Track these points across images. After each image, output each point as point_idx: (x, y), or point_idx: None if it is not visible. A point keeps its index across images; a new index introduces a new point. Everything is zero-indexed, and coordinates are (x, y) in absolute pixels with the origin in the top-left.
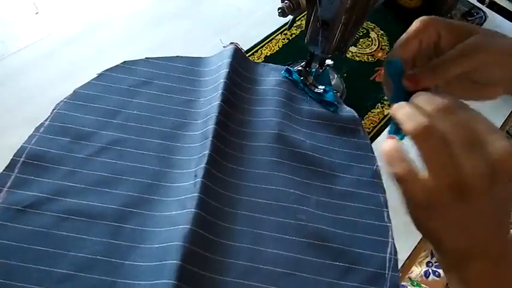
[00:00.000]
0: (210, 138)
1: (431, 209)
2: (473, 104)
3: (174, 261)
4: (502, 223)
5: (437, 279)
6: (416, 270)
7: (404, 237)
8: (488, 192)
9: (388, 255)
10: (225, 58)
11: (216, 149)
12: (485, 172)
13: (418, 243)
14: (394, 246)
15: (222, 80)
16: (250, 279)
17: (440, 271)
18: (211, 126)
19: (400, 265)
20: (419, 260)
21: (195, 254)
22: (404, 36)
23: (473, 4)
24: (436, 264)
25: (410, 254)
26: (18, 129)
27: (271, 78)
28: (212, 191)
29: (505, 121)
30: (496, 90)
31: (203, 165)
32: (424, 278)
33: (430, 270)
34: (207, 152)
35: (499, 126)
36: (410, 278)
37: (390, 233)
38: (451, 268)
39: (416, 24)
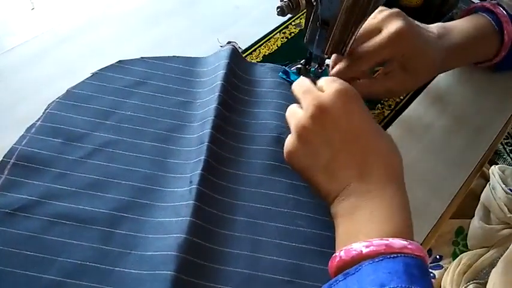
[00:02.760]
0: (206, 143)
1: (300, 143)
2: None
3: (169, 272)
4: (350, 161)
5: (432, 280)
6: None
7: None
8: (319, 130)
9: None
10: (222, 59)
11: (213, 154)
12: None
13: (422, 242)
14: None
15: (219, 82)
16: (249, 287)
17: (436, 272)
18: (207, 130)
19: None
20: None
21: (191, 264)
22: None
23: (474, 3)
24: (431, 265)
25: None
26: (11, 130)
27: (270, 79)
28: (208, 198)
29: (506, 122)
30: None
31: (199, 171)
32: None
33: None
34: (203, 157)
35: (501, 127)
36: None
37: None
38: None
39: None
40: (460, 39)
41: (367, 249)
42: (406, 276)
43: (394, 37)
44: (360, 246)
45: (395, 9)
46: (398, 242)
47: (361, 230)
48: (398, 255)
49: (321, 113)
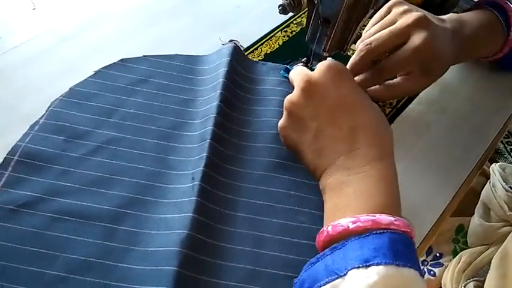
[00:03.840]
0: (208, 140)
1: (291, 118)
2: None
3: (171, 268)
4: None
5: (432, 278)
6: None
7: None
8: (307, 103)
9: None
10: (223, 57)
11: (214, 151)
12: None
13: (420, 243)
14: None
15: (220, 80)
16: (252, 282)
17: (436, 270)
18: (209, 127)
19: None
20: None
21: (194, 260)
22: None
23: (475, 1)
24: (432, 262)
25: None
26: (15, 128)
27: (272, 77)
28: (211, 194)
29: (507, 121)
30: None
31: (201, 168)
32: None
33: (426, 269)
34: (204, 154)
35: (500, 126)
36: None
37: None
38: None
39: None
40: (470, 34)
41: (354, 225)
42: (391, 252)
43: (421, 49)
44: (346, 222)
45: (421, 14)
46: (385, 218)
47: (349, 205)
48: (385, 231)
49: (309, 86)
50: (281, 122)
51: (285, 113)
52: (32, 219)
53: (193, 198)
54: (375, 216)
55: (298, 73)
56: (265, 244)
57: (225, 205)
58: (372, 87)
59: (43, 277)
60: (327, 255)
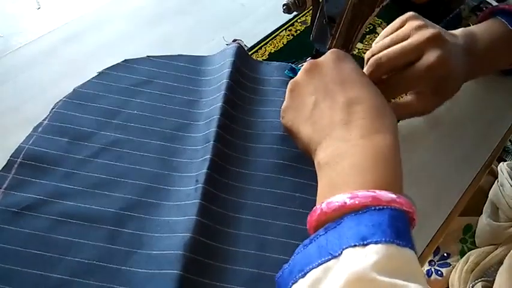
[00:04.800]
0: (212, 142)
1: (291, 98)
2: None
3: (175, 271)
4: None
5: (440, 278)
6: None
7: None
8: (308, 80)
9: None
10: (227, 57)
11: (218, 153)
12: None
13: (428, 244)
14: None
15: (224, 80)
16: (256, 286)
17: (443, 270)
18: (213, 129)
19: None
20: None
21: (198, 263)
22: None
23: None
24: (439, 263)
25: (419, 256)
26: (18, 129)
27: (276, 78)
28: (215, 197)
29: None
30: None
31: (205, 170)
32: (426, 277)
33: (433, 269)
34: (208, 156)
35: (509, 124)
36: None
37: None
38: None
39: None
40: (482, 49)
41: (351, 201)
42: (391, 230)
43: (435, 67)
44: (343, 198)
45: (436, 31)
46: (386, 195)
47: (345, 181)
48: (385, 207)
49: (312, 66)
50: (283, 104)
51: (287, 94)
52: (35, 222)
53: (197, 201)
54: (374, 192)
55: (307, 63)
56: (269, 247)
57: (229, 207)
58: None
59: (47, 280)
60: (320, 235)
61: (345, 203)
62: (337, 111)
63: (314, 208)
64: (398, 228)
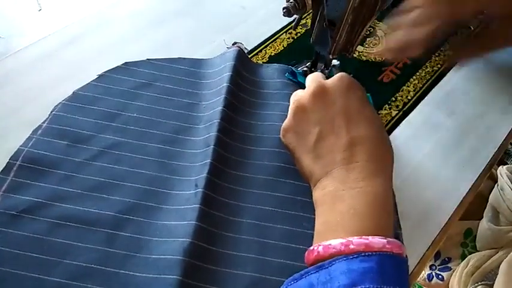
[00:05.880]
0: (212, 146)
1: (295, 120)
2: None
3: (174, 277)
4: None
5: (441, 282)
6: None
7: (414, 243)
8: (314, 107)
9: None
10: (228, 61)
11: (218, 157)
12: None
13: (427, 249)
14: (399, 221)
15: (225, 84)
16: None
17: (444, 274)
18: (213, 133)
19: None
20: None
21: (197, 268)
22: None
23: None
24: (440, 267)
25: (420, 260)
26: (17, 131)
27: (276, 80)
28: (214, 201)
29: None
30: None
31: (204, 174)
32: (427, 281)
33: (434, 274)
34: (208, 160)
35: (510, 127)
36: None
37: (401, 239)
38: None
39: None
40: None
41: (345, 248)
42: (379, 276)
43: None
44: (338, 244)
45: None
46: (378, 241)
47: (341, 224)
48: (374, 253)
49: (320, 91)
50: (285, 122)
51: (290, 113)
52: (33, 225)
53: (197, 205)
54: (367, 239)
55: (314, 78)
56: (270, 251)
57: (229, 211)
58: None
59: (44, 283)
60: (312, 273)
61: (340, 249)
62: (339, 150)
63: (311, 248)
64: (385, 272)
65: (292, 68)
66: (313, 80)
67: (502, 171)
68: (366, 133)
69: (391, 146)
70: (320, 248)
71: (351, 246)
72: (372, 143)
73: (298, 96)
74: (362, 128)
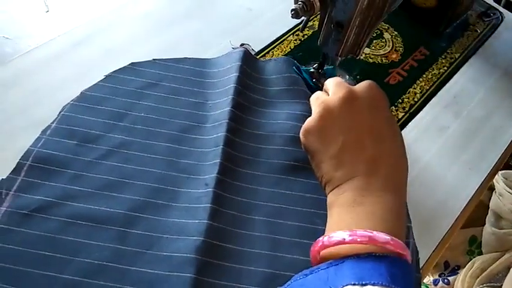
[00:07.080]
0: (221, 146)
1: (321, 123)
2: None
3: (188, 274)
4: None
5: (446, 286)
6: (427, 278)
7: (424, 238)
8: (343, 114)
9: None
10: (234, 61)
11: (228, 157)
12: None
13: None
14: (416, 246)
15: (232, 85)
16: (271, 285)
17: (450, 278)
18: (222, 133)
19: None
20: (432, 271)
21: (211, 265)
22: None
23: (489, 4)
24: (448, 274)
25: (430, 255)
26: (27, 132)
27: (284, 75)
28: (225, 200)
29: None
30: None
31: (214, 174)
32: (432, 285)
33: (441, 279)
34: (218, 160)
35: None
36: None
37: (411, 233)
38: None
39: None
40: None
41: (350, 238)
42: (388, 275)
43: None
44: (343, 234)
45: None
46: (382, 237)
47: (355, 222)
48: (384, 254)
49: (350, 97)
50: (309, 123)
51: (317, 114)
52: (45, 224)
53: (208, 205)
54: (372, 232)
55: (338, 82)
56: (282, 247)
57: (241, 209)
58: None
59: (57, 281)
60: (322, 269)
61: (344, 239)
62: (363, 162)
63: (316, 240)
64: (394, 273)
65: (298, 64)
66: (339, 84)
67: (497, 178)
68: (390, 148)
69: (407, 160)
70: (325, 239)
71: (355, 237)
72: (394, 159)
73: (324, 98)
74: (387, 143)
